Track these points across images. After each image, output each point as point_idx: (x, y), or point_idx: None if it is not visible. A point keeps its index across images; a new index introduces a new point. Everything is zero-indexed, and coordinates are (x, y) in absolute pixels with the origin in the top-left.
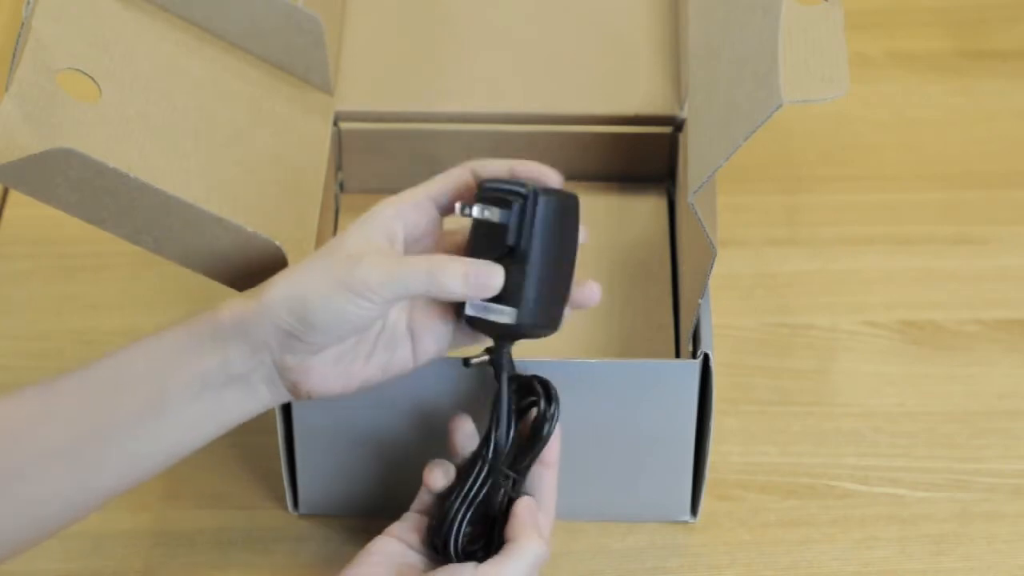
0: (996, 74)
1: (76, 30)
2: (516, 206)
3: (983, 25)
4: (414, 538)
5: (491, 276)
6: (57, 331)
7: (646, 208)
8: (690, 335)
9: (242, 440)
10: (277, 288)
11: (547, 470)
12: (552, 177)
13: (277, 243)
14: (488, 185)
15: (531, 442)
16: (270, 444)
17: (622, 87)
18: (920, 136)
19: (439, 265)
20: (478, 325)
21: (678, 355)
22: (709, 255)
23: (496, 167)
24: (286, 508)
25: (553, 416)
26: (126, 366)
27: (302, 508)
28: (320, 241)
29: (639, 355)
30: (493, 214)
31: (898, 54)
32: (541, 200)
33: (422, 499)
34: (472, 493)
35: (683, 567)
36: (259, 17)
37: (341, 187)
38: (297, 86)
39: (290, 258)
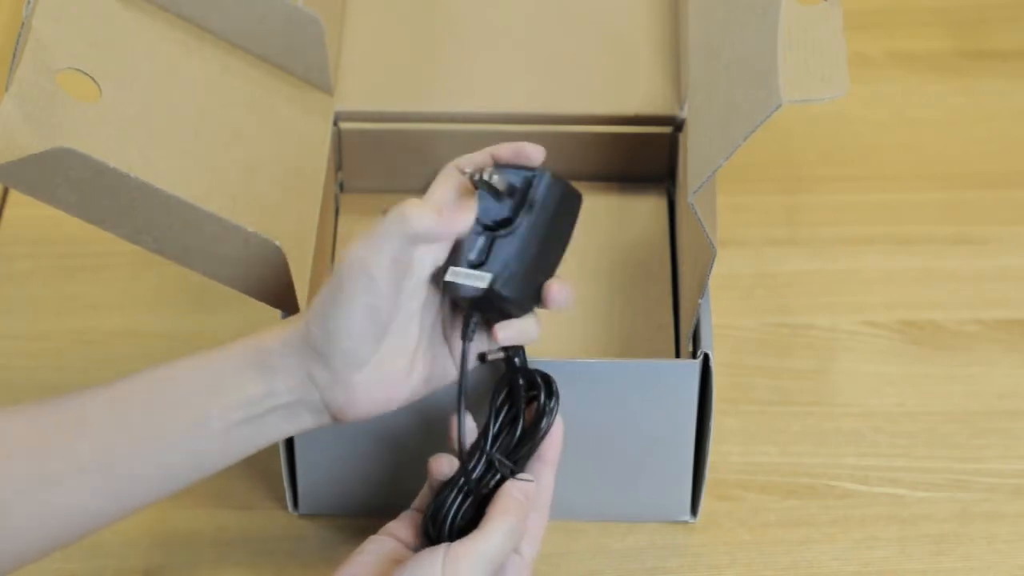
0: (996, 74)
1: (76, 30)
2: (522, 181)
3: (983, 25)
4: (409, 535)
5: (463, 211)
6: (57, 331)
7: (646, 208)
8: (690, 335)
9: None
10: (308, 310)
11: (545, 467)
12: (532, 153)
13: (277, 243)
14: (501, 166)
15: (529, 433)
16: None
17: (622, 87)
18: (920, 136)
19: (410, 205)
20: (452, 290)
21: (678, 355)
22: (709, 255)
23: (479, 158)
24: (286, 508)
25: (552, 411)
26: (167, 386)
27: (302, 508)
28: (320, 241)
29: (639, 355)
30: (501, 182)
31: (898, 54)
32: (547, 181)
33: (423, 497)
34: (468, 480)
35: (683, 567)
36: (259, 17)
37: (341, 187)
38: (297, 86)
39: (290, 258)
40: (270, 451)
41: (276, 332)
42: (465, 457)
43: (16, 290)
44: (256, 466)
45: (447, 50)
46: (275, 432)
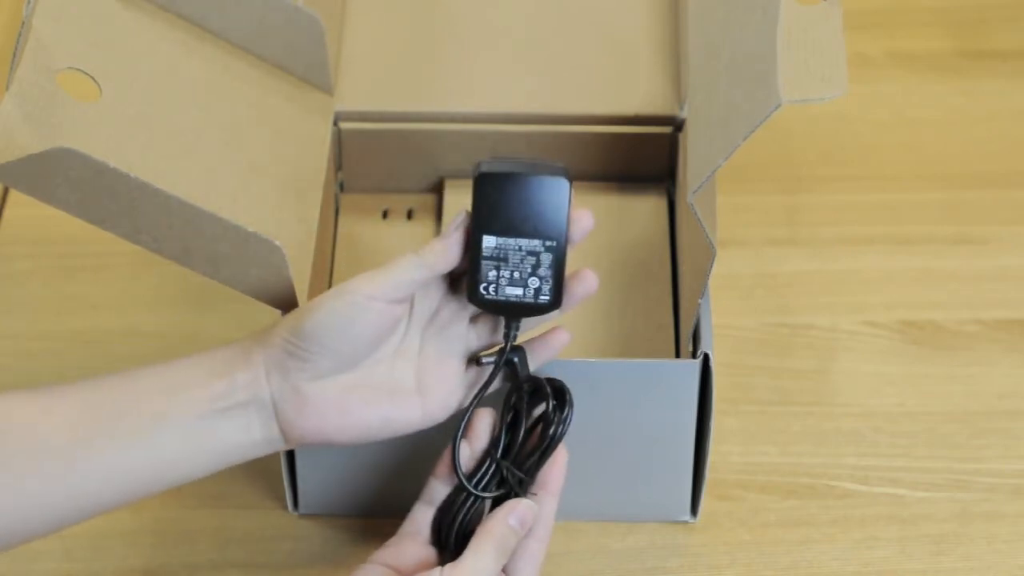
0: (996, 74)
1: (76, 30)
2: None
3: (983, 25)
4: (399, 561)
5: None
6: (57, 331)
7: (646, 208)
8: (690, 335)
9: None
10: (285, 316)
11: (548, 497)
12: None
13: (277, 243)
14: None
15: (538, 441)
16: None
17: (622, 87)
18: (920, 136)
19: (426, 246)
20: (489, 305)
21: (678, 355)
22: (709, 255)
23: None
24: (286, 508)
25: (565, 419)
26: (133, 381)
27: (302, 508)
28: (320, 241)
29: (639, 355)
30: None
31: (898, 54)
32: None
33: (414, 519)
34: (478, 486)
35: (683, 567)
36: (259, 17)
37: (341, 187)
38: (297, 86)
39: (290, 258)
40: None
41: (246, 336)
42: (479, 462)
43: (16, 290)
44: (256, 466)
45: (447, 50)
46: (231, 441)
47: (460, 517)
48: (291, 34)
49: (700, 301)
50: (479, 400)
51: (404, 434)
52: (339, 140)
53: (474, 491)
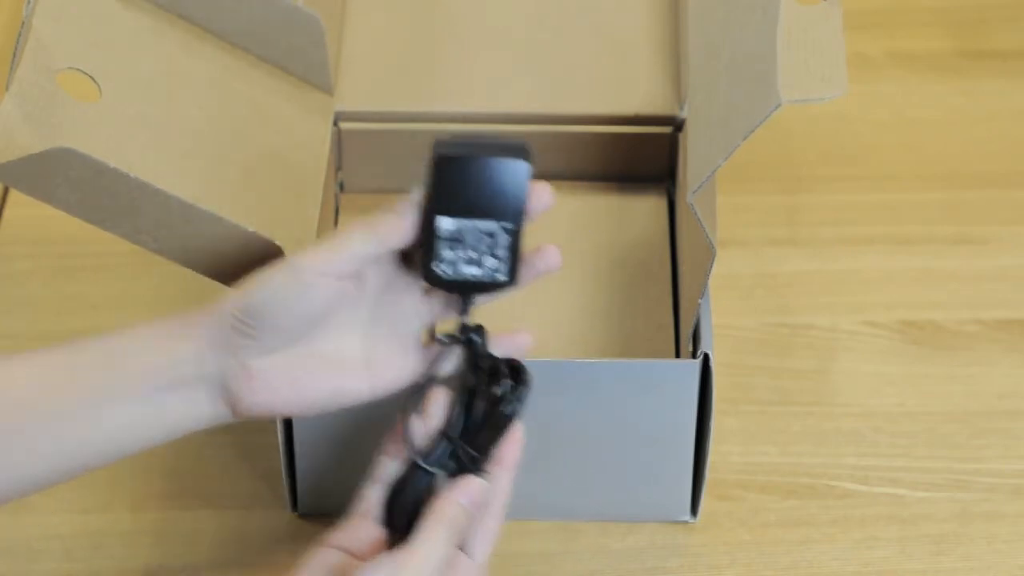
0: (996, 74)
1: (76, 30)
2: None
3: (983, 25)
4: (352, 544)
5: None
6: (57, 331)
7: (646, 208)
8: (690, 335)
9: (242, 440)
10: (231, 290)
11: (503, 472)
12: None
13: (277, 243)
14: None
15: (493, 420)
16: (270, 444)
17: (622, 87)
18: (920, 136)
19: (378, 218)
20: (444, 284)
21: (678, 355)
22: (709, 255)
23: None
24: (286, 508)
25: (520, 397)
26: (81, 352)
27: (302, 508)
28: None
29: (639, 355)
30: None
31: (898, 54)
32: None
33: (364, 499)
34: (429, 463)
35: (683, 567)
36: (259, 17)
37: (341, 187)
38: (297, 86)
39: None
40: (270, 451)
41: (197, 309)
42: (434, 439)
43: (16, 290)
44: (256, 466)
45: (447, 50)
46: (177, 415)
47: (412, 495)
48: (291, 34)
49: (700, 301)
50: (434, 378)
51: (354, 406)
52: (339, 140)
53: (426, 467)
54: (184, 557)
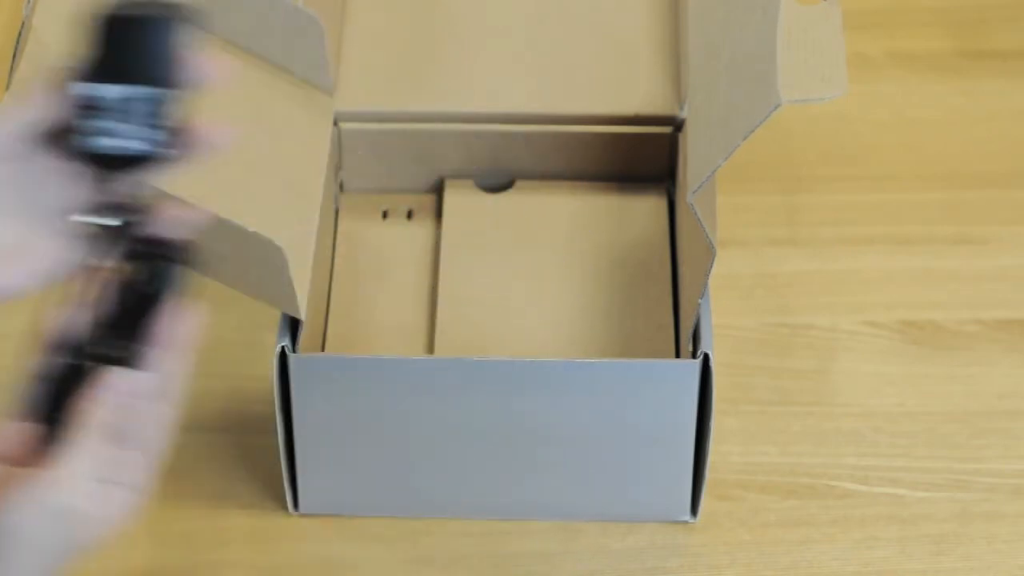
0: (996, 74)
1: (76, 30)
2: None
3: (983, 25)
4: (8, 448)
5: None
6: None
7: (646, 208)
8: (690, 335)
9: (242, 440)
10: None
11: (171, 355)
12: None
13: (277, 243)
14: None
15: (142, 302)
16: (270, 444)
17: (622, 87)
18: (920, 136)
19: (18, 92)
20: (92, 159)
21: (678, 355)
22: (709, 255)
23: None
24: (286, 508)
25: (165, 272)
26: None
27: (302, 508)
28: (320, 241)
29: (639, 355)
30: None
31: (898, 54)
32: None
33: (23, 398)
34: (78, 357)
35: (683, 567)
36: (259, 17)
37: (341, 187)
38: (297, 86)
39: (290, 258)
40: (270, 451)
41: None
42: (84, 332)
43: None
44: (256, 466)
45: (447, 50)
46: None
47: (60, 387)
48: (291, 34)
49: (700, 301)
50: (90, 265)
51: (14, 300)
52: (339, 140)
53: (72, 360)
54: (184, 557)
